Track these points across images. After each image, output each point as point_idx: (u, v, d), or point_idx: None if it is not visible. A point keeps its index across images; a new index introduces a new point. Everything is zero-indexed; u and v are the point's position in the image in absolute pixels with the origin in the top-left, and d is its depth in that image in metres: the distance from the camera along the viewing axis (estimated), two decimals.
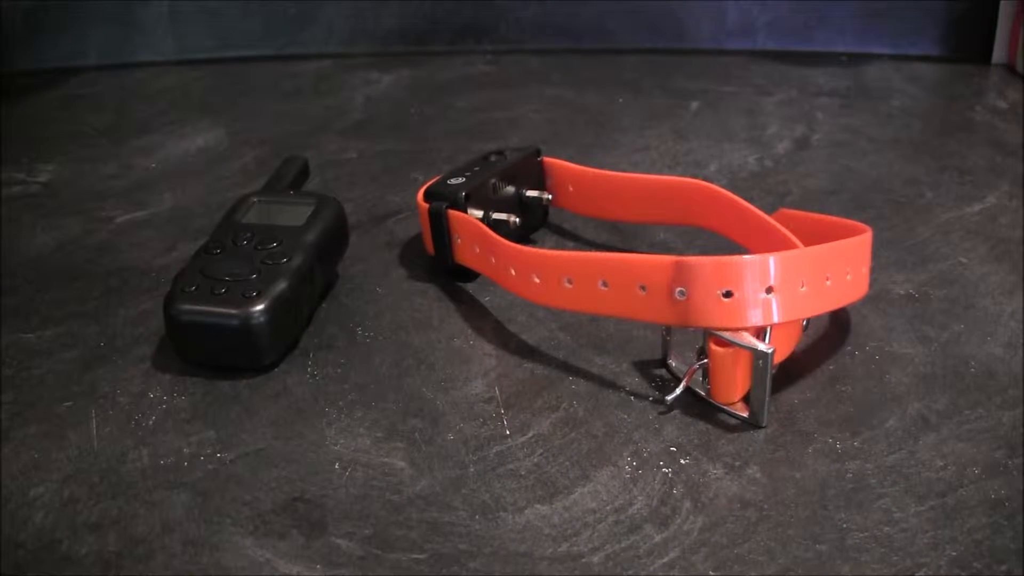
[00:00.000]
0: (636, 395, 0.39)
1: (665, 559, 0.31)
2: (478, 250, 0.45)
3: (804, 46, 0.85)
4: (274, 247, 0.43)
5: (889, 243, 0.51)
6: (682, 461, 0.36)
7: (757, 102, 0.73)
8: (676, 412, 0.38)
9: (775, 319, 0.36)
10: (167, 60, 0.87)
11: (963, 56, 0.82)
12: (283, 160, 0.53)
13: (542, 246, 0.52)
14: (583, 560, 0.31)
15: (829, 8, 0.85)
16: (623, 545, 0.32)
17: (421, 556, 0.32)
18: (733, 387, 0.37)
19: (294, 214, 0.46)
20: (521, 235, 0.51)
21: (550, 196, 0.52)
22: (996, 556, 0.31)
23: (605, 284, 0.38)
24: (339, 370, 0.42)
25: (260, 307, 0.40)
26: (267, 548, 0.32)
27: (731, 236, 0.46)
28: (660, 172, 0.61)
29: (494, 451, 0.36)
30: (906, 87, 0.76)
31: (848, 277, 0.38)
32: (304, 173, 0.53)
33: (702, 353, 0.38)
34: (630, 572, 0.31)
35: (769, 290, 0.35)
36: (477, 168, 0.49)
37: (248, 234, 0.44)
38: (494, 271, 0.44)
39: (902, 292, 0.46)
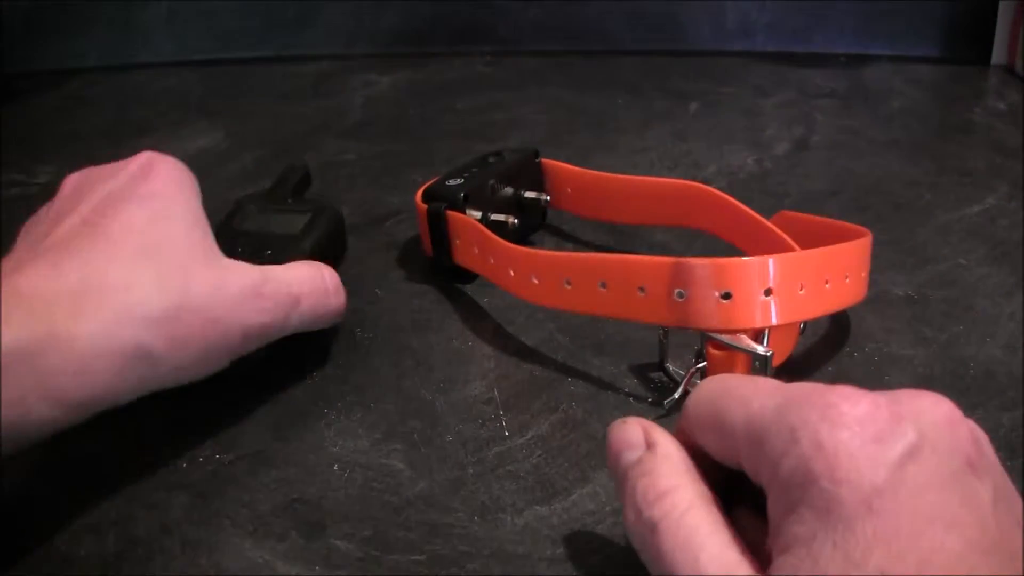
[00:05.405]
0: (635, 397, 0.39)
1: None
2: (477, 251, 0.45)
3: (803, 47, 0.85)
4: (269, 255, 0.43)
5: (888, 244, 0.51)
6: None
7: (756, 103, 0.73)
8: (675, 415, 0.38)
9: (774, 321, 0.36)
10: (166, 61, 0.87)
11: (963, 57, 0.82)
12: (285, 168, 0.53)
13: (541, 247, 0.52)
14: (582, 562, 0.31)
15: (828, 9, 0.85)
16: (622, 547, 0.32)
17: (420, 557, 0.32)
18: None
19: (291, 221, 0.45)
20: (520, 236, 0.51)
21: (548, 197, 0.52)
22: None
23: (604, 285, 0.38)
24: (338, 371, 0.42)
25: None
26: (266, 549, 0.32)
27: (729, 239, 0.46)
28: (659, 174, 0.61)
29: (493, 452, 0.36)
30: (905, 88, 0.77)
31: (847, 280, 0.38)
32: (305, 182, 0.53)
33: (700, 356, 0.38)
34: (629, 574, 0.31)
35: (768, 292, 0.35)
36: (476, 169, 0.49)
37: (245, 241, 0.44)
38: (493, 272, 0.44)
39: (901, 293, 0.46)
